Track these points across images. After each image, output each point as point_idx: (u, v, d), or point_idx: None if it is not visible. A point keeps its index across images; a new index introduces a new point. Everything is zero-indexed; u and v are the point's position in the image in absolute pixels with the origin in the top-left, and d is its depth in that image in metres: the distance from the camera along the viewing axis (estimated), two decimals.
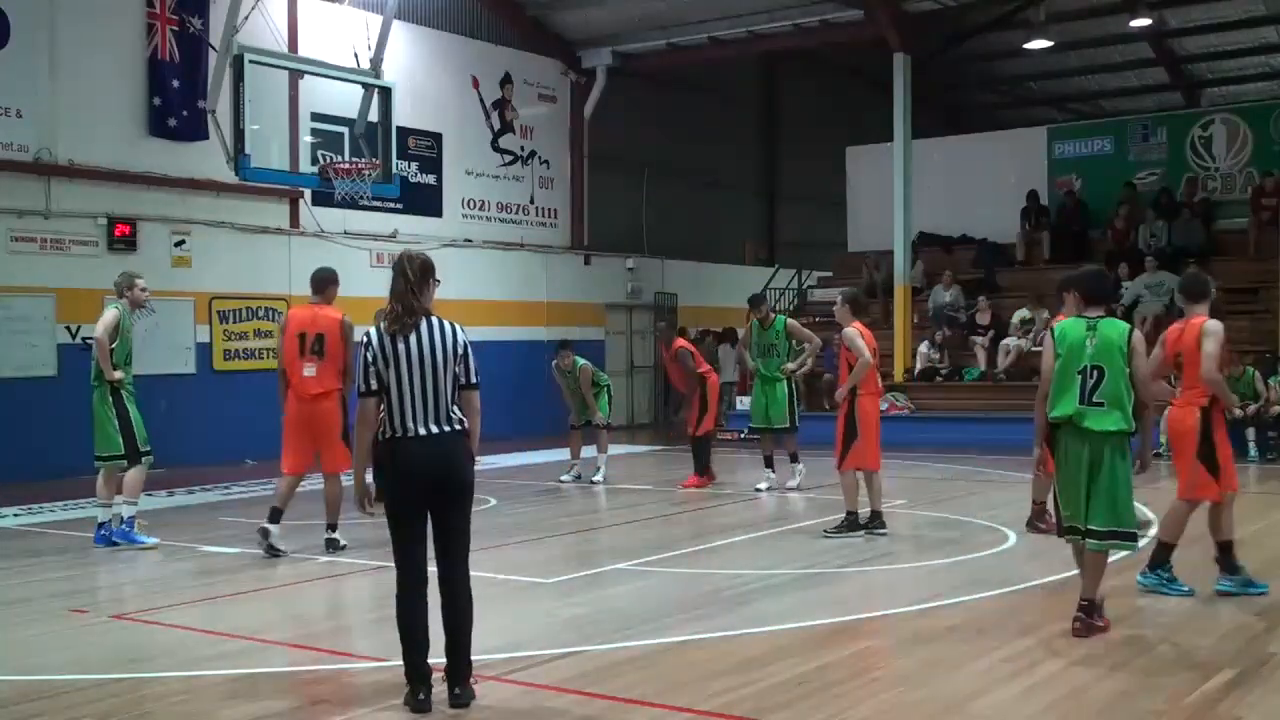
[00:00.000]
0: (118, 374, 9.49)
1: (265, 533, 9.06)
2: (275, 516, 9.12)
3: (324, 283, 9.35)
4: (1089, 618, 6.48)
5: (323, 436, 9.16)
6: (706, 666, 5.98)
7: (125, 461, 9.60)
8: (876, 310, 21.69)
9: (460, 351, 5.40)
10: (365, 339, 5.41)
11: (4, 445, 14.08)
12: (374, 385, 5.38)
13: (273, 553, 9.01)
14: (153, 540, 9.64)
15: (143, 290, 9.81)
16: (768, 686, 5.62)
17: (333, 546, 9.22)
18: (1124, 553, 6.95)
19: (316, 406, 9.07)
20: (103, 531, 9.68)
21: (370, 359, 5.38)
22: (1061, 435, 6.62)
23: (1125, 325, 6.69)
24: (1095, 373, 6.53)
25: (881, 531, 9.88)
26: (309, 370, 9.05)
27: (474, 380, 5.47)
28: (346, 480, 9.00)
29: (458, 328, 5.45)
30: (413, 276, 5.39)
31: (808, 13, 20.62)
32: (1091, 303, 6.77)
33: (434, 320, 5.39)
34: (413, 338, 5.32)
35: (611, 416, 14.62)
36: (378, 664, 6.00)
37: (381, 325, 5.39)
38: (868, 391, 9.90)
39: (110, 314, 9.55)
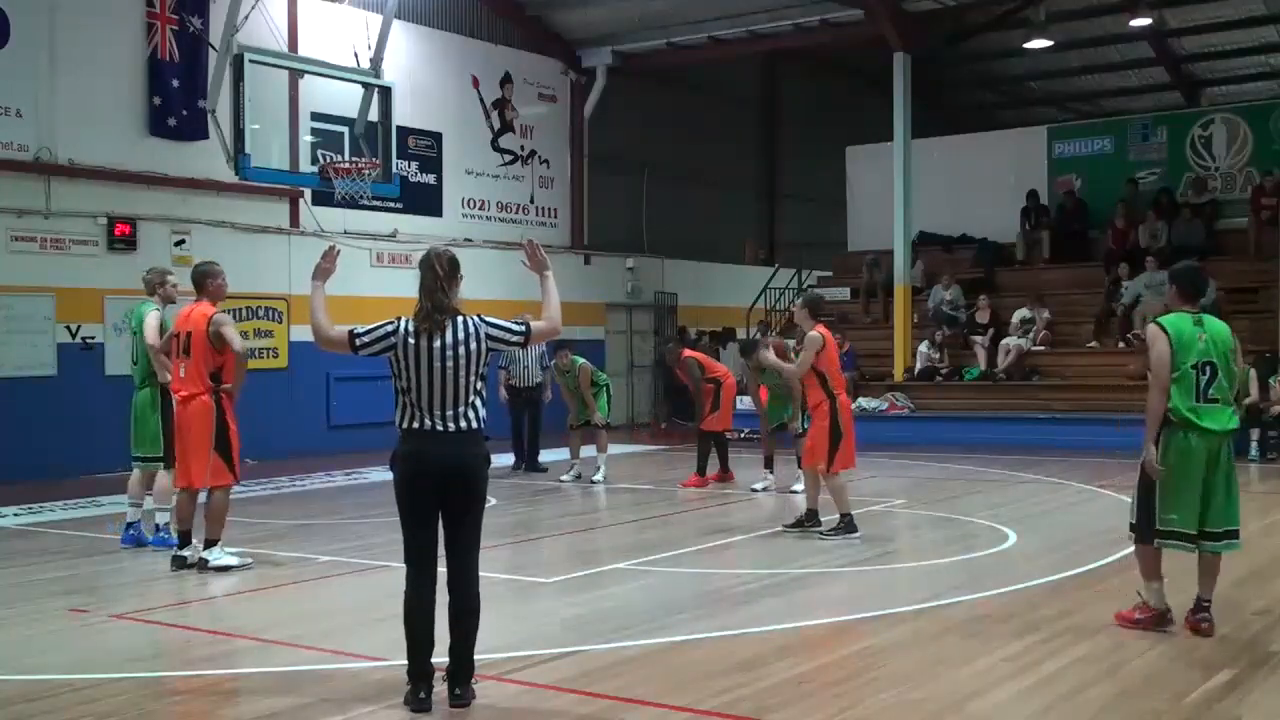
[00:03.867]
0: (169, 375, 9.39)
1: (179, 560, 8.67)
2: (184, 540, 8.77)
3: (199, 278, 8.84)
4: (1211, 615, 6.52)
5: (186, 443, 8.63)
6: (706, 666, 5.98)
7: (162, 464, 9.49)
8: (876, 310, 21.77)
9: (487, 340, 5.38)
10: (394, 326, 5.38)
11: (4, 445, 14.08)
12: (359, 346, 5.37)
13: (189, 564, 8.64)
14: None
15: (174, 286, 9.62)
16: (768, 686, 5.62)
17: (178, 564, 8.61)
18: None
19: (183, 410, 8.66)
20: (131, 532, 9.60)
21: (382, 337, 5.35)
22: (1172, 434, 6.38)
23: (1225, 324, 6.60)
24: (1207, 369, 6.41)
25: (816, 530, 9.92)
26: (181, 371, 8.68)
27: (519, 334, 5.46)
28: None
29: (481, 325, 5.41)
30: (442, 272, 5.38)
31: (808, 12, 20.63)
32: (1188, 299, 6.64)
33: (459, 320, 5.37)
34: (441, 337, 5.31)
35: (611, 416, 14.64)
36: (378, 664, 6.00)
37: (412, 321, 5.37)
38: (841, 390, 9.93)
39: (153, 316, 9.37)
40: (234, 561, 8.66)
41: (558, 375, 14.12)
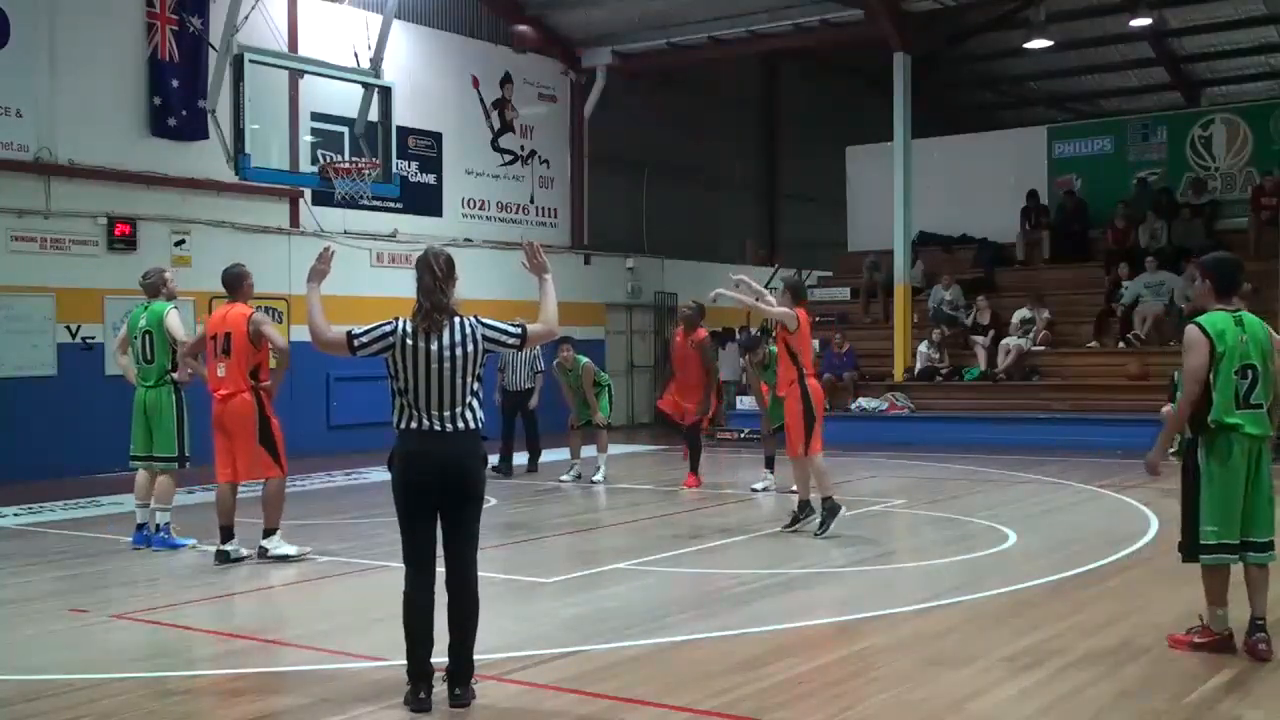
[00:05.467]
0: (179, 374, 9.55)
1: (223, 555, 8.84)
2: (226, 535, 8.90)
3: (234, 280, 9.11)
4: (1269, 635, 6.03)
5: (235, 439, 8.87)
6: (706, 666, 5.98)
7: (175, 464, 9.56)
8: (876, 310, 21.77)
9: (484, 340, 5.38)
10: (392, 326, 5.39)
11: (4, 445, 14.08)
12: (357, 347, 5.38)
13: (233, 559, 8.83)
14: (190, 540, 9.56)
15: (173, 282, 9.88)
16: (768, 686, 5.62)
17: (221, 559, 8.81)
18: None
19: (225, 407, 8.86)
20: (143, 533, 9.60)
21: (380, 337, 5.35)
22: (1214, 442, 5.97)
23: (1261, 321, 6.12)
24: (1249, 372, 5.98)
25: (810, 519, 9.92)
26: (220, 371, 8.89)
27: (515, 336, 5.46)
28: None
29: (477, 327, 5.42)
30: (440, 273, 5.39)
31: (807, 13, 20.63)
32: (1225, 294, 6.14)
33: (457, 321, 5.38)
34: (440, 338, 5.31)
35: (611, 416, 14.63)
36: (378, 664, 6.00)
37: (410, 321, 5.37)
38: (812, 373, 9.99)
39: (174, 314, 9.54)
40: (292, 551, 8.90)
41: (560, 374, 14.12)
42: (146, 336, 9.56)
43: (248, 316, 8.87)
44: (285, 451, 9.06)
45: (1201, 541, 6.04)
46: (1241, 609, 6.12)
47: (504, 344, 5.50)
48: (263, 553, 8.85)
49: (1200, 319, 6.09)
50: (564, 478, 14.00)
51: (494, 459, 14.91)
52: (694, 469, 13.37)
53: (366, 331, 5.41)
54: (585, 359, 14.10)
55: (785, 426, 10.24)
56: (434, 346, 5.32)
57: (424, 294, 5.39)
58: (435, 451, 5.31)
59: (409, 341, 5.34)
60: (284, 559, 8.83)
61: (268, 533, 8.92)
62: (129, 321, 9.83)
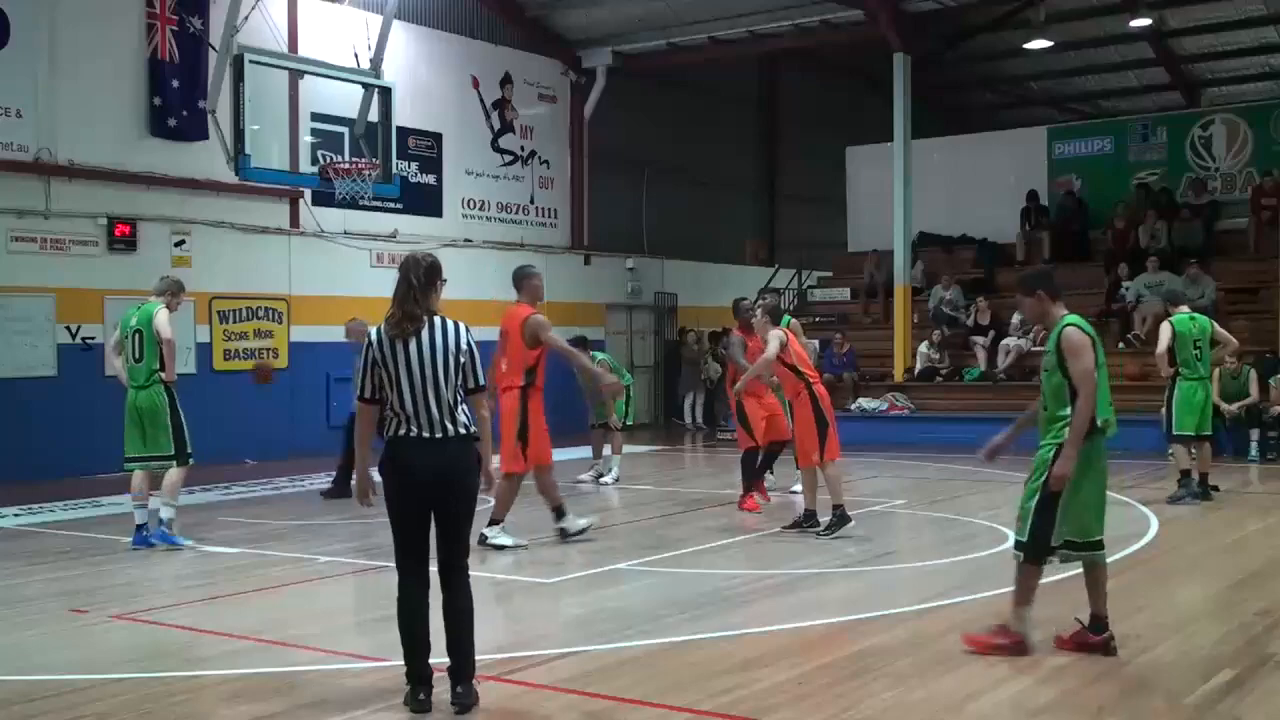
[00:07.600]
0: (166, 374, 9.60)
1: (481, 537, 9.06)
2: (558, 515, 9.58)
3: (516, 280, 9.62)
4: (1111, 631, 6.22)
5: (501, 431, 9.13)
6: (706, 666, 5.98)
7: (174, 462, 9.60)
8: (876, 310, 21.78)
9: (465, 353, 5.37)
10: (368, 341, 5.39)
11: (4, 445, 14.08)
12: (373, 394, 5.36)
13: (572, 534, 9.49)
14: (189, 541, 9.59)
15: (178, 301, 9.97)
16: (768, 686, 5.62)
17: (482, 541, 8.97)
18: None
19: (499, 401, 9.16)
20: (143, 534, 9.60)
21: (372, 362, 5.35)
22: (1094, 442, 6.10)
23: None
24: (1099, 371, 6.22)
25: (814, 530, 9.92)
26: (502, 366, 9.34)
27: (481, 383, 5.45)
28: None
29: (463, 329, 5.41)
30: (416, 281, 5.34)
31: (808, 13, 20.63)
32: (1060, 299, 6.35)
33: (438, 322, 5.36)
34: (415, 341, 5.29)
35: (627, 417, 14.68)
36: (378, 664, 6.00)
37: (384, 328, 5.36)
38: (816, 379, 10.01)
39: (163, 312, 9.63)
40: (509, 542, 9.22)
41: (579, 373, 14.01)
42: (136, 336, 9.61)
43: (523, 319, 9.20)
44: (543, 451, 9.38)
45: (1055, 543, 6.14)
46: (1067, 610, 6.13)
47: (465, 378, 5.39)
48: (481, 540, 9.01)
49: (1072, 320, 6.18)
50: (582, 478, 13.92)
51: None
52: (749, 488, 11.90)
53: (365, 382, 5.37)
54: (601, 354, 14.29)
55: (795, 435, 10.23)
56: (411, 351, 5.28)
57: (397, 301, 5.36)
58: (424, 455, 5.28)
59: (387, 350, 5.31)
60: (499, 549, 9.11)
61: (492, 522, 9.17)
62: (121, 322, 9.89)
